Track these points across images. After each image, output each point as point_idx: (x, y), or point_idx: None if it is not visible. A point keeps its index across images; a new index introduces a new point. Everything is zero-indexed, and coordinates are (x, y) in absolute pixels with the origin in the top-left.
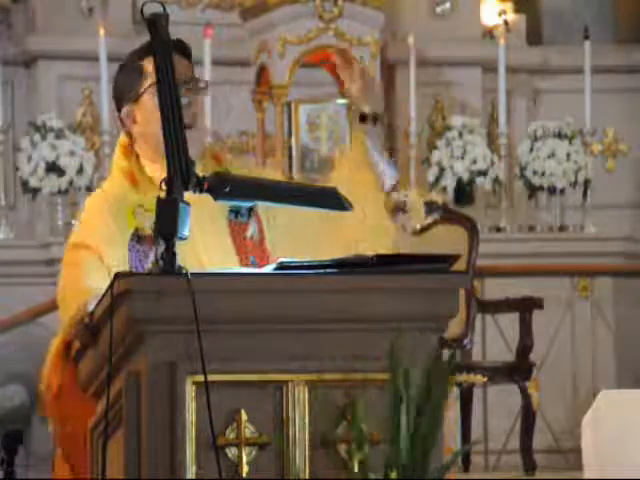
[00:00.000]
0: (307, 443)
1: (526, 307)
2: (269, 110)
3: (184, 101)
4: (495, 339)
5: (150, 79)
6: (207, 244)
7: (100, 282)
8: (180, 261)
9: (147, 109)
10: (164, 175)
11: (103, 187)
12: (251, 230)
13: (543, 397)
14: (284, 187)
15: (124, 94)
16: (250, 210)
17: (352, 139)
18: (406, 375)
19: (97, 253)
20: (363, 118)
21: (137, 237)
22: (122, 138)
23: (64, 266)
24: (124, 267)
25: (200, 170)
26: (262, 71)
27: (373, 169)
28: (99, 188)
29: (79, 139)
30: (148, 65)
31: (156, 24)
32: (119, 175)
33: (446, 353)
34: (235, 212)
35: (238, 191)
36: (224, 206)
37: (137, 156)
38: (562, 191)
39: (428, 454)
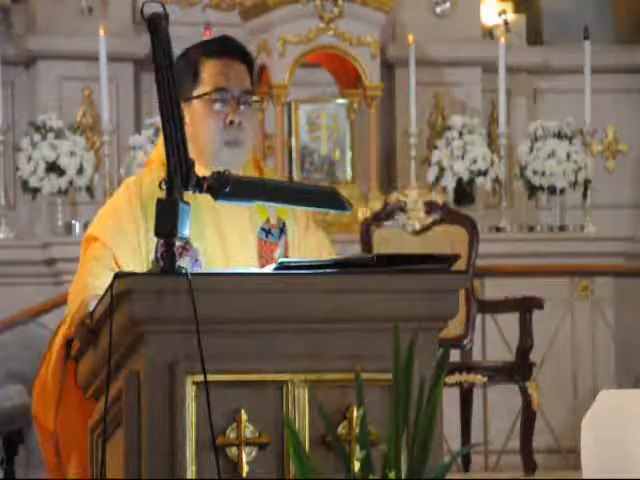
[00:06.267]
0: (307, 443)
1: (526, 307)
2: (269, 110)
3: (236, 119)
4: (495, 339)
5: (204, 86)
6: (236, 254)
7: (107, 281)
8: (206, 264)
9: (198, 113)
10: (202, 174)
11: (142, 174)
12: (279, 251)
13: (543, 397)
14: (284, 187)
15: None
16: (281, 232)
17: None
18: (406, 375)
19: (111, 251)
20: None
21: None
22: None
23: (81, 257)
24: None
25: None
26: (262, 71)
27: None
28: (138, 175)
29: (79, 139)
30: (205, 69)
31: (156, 24)
32: (159, 165)
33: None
34: (266, 231)
35: (238, 191)
36: (257, 222)
37: None
38: (562, 191)
39: (427, 454)
